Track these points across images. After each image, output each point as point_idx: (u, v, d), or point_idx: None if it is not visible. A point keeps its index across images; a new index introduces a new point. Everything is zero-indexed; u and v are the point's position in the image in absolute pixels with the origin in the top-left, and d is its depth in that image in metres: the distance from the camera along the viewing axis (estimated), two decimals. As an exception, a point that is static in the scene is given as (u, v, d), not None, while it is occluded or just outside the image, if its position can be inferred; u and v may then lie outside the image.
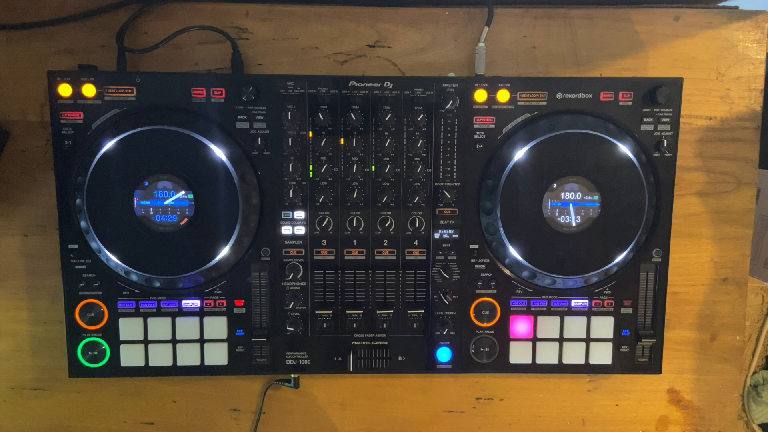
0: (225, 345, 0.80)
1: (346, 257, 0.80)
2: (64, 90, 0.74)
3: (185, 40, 0.81)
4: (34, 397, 0.87)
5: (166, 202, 0.76)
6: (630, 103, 0.77)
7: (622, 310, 0.81)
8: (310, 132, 0.77)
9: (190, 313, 0.79)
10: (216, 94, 0.76)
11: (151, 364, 0.80)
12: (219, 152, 0.75)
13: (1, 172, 0.82)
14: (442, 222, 0.79)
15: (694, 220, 0.86)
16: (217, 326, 0.80)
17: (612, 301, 0.81)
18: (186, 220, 0.76)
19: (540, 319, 0.81)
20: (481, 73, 0.80)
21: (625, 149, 0.76)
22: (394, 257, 0.80)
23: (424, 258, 0.80)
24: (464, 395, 0.89)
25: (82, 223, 0.76)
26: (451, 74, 0.78)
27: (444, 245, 0.80)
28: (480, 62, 0.80)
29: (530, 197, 0.77)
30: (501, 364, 0.82)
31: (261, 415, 0.88)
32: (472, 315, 0.81)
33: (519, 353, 0.82)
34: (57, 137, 0.75)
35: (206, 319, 0.80)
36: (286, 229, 0.79)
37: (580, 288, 0.81)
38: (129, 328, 0.79)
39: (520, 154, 0.76)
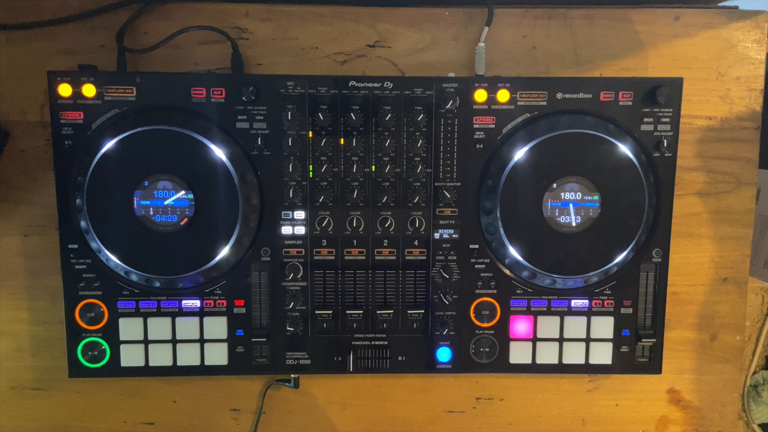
0: (225, 345, 0.80)
1: (346, 257, 0.80)
2: (64, 90, 0.74)
3: (185, 40, 0.81)
4: (34, 397, 0.87)
5: (166, 202, 0.76)
6: (630, 103, 0.77)
7: (622, 310, 0.81)
8: (310, 132, 0.77)
9: (190, 313, 0.80)
10: (216, 94, 0.76)
11: (151, 364, 0.80)
12: (219, 152, 0.75)
13: (1, 172, 0.82)
14: (442, 222, 0.79)
15: (694, 220, 0.86)
16: (217, 326, 0.80)
17: (612, 301, 0.81)
18: (186, 220, 0.76)
19: (540, 319, 0.81)
20: (481, 73, 0.80)
21: (625, 149, 0.76)
22: (394, 257, 0.80)
23: (424, 258, 0.80)
24: (464, 395, 0.89)
25: (82, 223, 0.76)
26: (451, 74, 0.78)
27: (444, 245, 0.80)
28: (480, 62, 0.80)
29: (530, 197, 0.77)
30: (501, 364, 0.82)
31: (261, 415, 0.88)
32: (472, 315, 0.81)
33: (519, 353, 0.82)
34: (57, 137, 0.75)
35: (206, 319, 0.80)
36: (286, 229, 0.79)
37: (580, 288, 0.81)
38: (129, 328, 0.79)
39: (520, 154, 0.76)
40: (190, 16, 0.81)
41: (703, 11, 0.83)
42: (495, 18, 0.81)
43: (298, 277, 0.79)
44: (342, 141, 0.77)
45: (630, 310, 0.81)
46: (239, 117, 0.76)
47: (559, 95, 0.77)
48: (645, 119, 0.78)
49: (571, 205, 0.77)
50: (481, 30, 0.81)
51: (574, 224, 0.78)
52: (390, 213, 0.79)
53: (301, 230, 0.79)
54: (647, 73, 0.83)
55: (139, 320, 0.79)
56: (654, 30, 0.83)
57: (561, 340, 0.82)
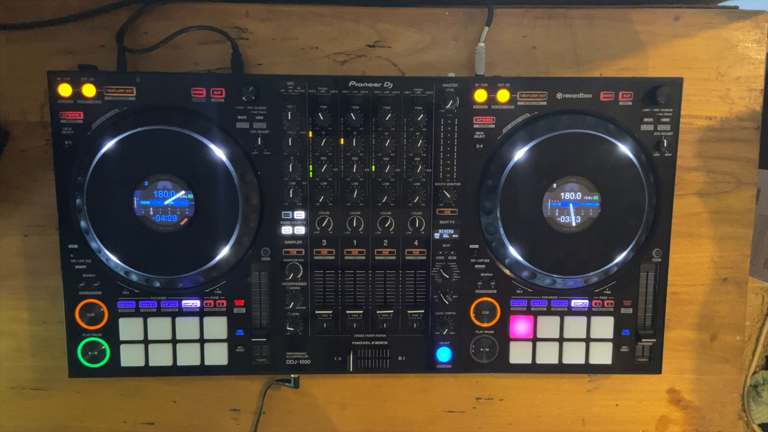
0: (225, 345, 0.80)
1: (346, 257, 0.80)
2: (64, 90, 0.74)
3: (185, 40, 0.81)
4: (34, 397, 0.87)
5: (166, 202, 0.76)
6: (630, 103, 0.77)
7: (622, 310, 0.81)
8: (310, 132, 0.77)
9: (190, 313, 0.79)
10: (216, 94, 0.76)
11: (151, 364, 0.80)
12: (219, 152, 0.75)
13: (1, 172, 0.82)
14: (442, 222, 0.79)
15: (694, 220, 0.86)
16: (217, 326, 0.80)
17: (612, 301, 0.81)
18: (186, 220, 0.76)
19: (540, 319, 0.81)
20: (481, 73, 0.80)
21: (625, 149, 0.76)
22: (394, 257, 0.80)
23: (424, 258, 0.80)
24: (464, 395, 0.89)
25: (82, 223, 0.76)
26: (451, 74, 0.78)
27: (444, 245, 0.80)
28: (480, 62, 0.80)
29: (530, 197, 0.77)
30: (501, 364, 0.82)
31: (261, 415, 0.88)
32: (472, 315, 0.81)
33: (519, 353, 0.82)
34: (57, 137, 0.75)
35: (206, 319, 0.80)
36: (286, 229, 0.79)
37: (580, 288, 0.81)
38: (129, 328, 0.79)
39: (520, 154, 0.76)
40: (190, 16, 0.81)
41: (703, 11, 0.83)
42: (495, 18, 0.81)
43: (298, 277, 0.79)
44: (342, 141, 0.77)
45: (630, 310, 0.81)
46: (239, 117, 0.76)
47: (559, 95, 0.77)
48: (645, 119, 0.78)
49: (571, 205, 0.77)
50: (481, 30, 0.81)
51: (574, 224, 0.78)
52: (390, 213, 0.79)
53: (301, 230, 0.79)
54: (647, 73, 0.83)
55: (139, 320, 0.79)
56: (654, 30, 0.83)
57: (561, 340, 0.82)
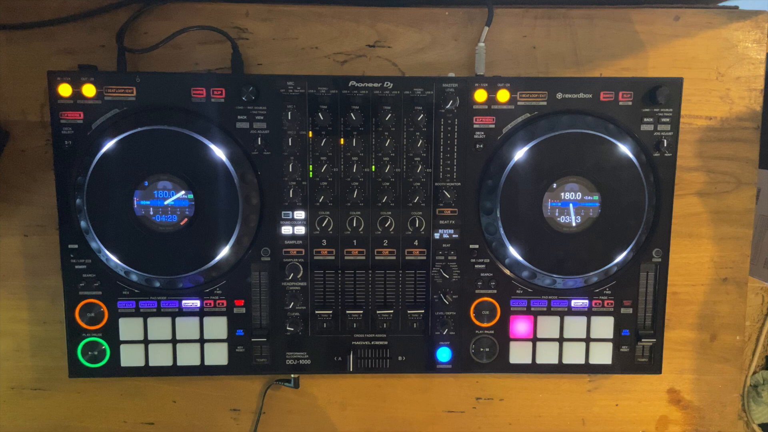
0: (225, 345, 0.80)
1: (346, 257, 0.80)
2: (64, 90, 0.74)
3: (185, 40, 0.81)
4: (34, 397, 0.87)
5: (166, 202, 0.76)
6: (630, 103, 0.77)
7: (622, 310, 0.81)
8: (310, 132, 0.77)
9: (190, 313, 0.80)
10: (216, 94, 0.76)
11: (151, 364, 0.80)
12: (219, 152, 0.75)
13: (1, 172, 0.82)
14: (442, 222, 0.79)
15: (694, 220, 0.86)
16: (217, 326, 0.80)
17: (612, 301, 0.81)
18: (186, 220, 0.76)
19: (540, 319, 0.81)
20: (481, 73, 0.80)
21: (625, 149, 0.76)
22: (394, 257, 0.80)
23: (424, 258, 0.80)
24: (464, 395, 0.89)
25: (82, 223, 0.76)
26: (451, 74, 0.78)
27: (444, 245, 0.80)
28: (480, 62, 0.80)
29: (530, 197, 0.77)
30: (501, 364, 0.82)
31: (261, 415, 0.88)
32: (472, 315, 0.81)
33: (519, 353, 0.82)
34: (57, 137, 0.75)
35: (206, 319, 0.80)
36: (286, 229, 0.79)
37: (580, 288, 0.81)
38: (129, 328, 0.79)
39: (520, 154, 0.76)
40: (190, 16, 0.81)
41: (703, 11, 0.83)
42: (495, 18, 0.81)
43: (298, 277, 0.79)
44: (342, 141, 0.77)
45: (630, 310, 0.81)
46: (239, 117, 0.76)
47: (559, 95, 0.77)
48: (645, 119, 0.78)
49: (571, 205, 0.77)
50: (481, 30, 0.81)
51: (574, 224, 0.78)
52: (390, 213, 0.79)
53: (301, 230, 0.79)
54: (647, 73, 0.83)
55: (139, 320, 0.79)
56: (654, 30, 0.83)
57: (561, 340, 0.82)
